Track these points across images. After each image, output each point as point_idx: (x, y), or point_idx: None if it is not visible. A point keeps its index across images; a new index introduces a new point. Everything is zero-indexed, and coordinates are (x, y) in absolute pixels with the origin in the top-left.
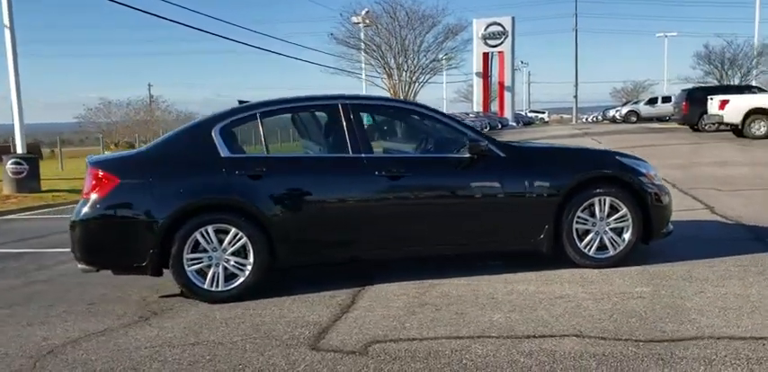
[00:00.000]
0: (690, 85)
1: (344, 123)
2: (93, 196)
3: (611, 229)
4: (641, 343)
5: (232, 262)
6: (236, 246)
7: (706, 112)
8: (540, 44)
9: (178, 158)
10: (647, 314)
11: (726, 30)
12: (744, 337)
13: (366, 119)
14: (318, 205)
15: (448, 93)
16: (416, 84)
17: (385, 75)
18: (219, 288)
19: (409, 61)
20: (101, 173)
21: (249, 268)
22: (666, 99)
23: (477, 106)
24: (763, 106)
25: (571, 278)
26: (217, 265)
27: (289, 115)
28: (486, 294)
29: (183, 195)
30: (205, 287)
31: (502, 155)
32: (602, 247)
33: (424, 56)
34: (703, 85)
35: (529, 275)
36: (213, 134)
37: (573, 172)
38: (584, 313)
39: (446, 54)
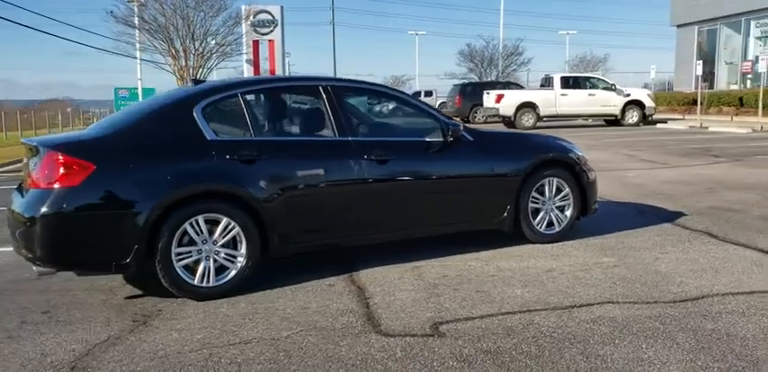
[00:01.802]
0: (455, 81)
1: (328, 105)
2: (61, 186)
3: (556, 207)
4: (669, 304)
5: (222, 255)
6: (227, 237)
7: (477, 105)
8: (310, 35)
9: (159, 141)
10: (642, 280)
11: (483, 32)
12: (743, 292)
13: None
14: (312, 190)
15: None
16: (204, 68)
17: (170, 58)
18: (210, 284)
19: (197, 44)
20: (68, 159)
21: (241, 260)
22: (429, 93)
23: None
24: (531, 100)
25: (535, 253)
26: (207, 258)
27: (271, 96)
28: (481, 272)
29: (172, 182)
30: (195, 283)
31: (471, 139)
32: (549, 224)
33: (213, 39)
34: (473, 81)
35: (495, 253)
36: (195, 114)
37: (530, 156)
38: (588, 282)
39: (235, 39)
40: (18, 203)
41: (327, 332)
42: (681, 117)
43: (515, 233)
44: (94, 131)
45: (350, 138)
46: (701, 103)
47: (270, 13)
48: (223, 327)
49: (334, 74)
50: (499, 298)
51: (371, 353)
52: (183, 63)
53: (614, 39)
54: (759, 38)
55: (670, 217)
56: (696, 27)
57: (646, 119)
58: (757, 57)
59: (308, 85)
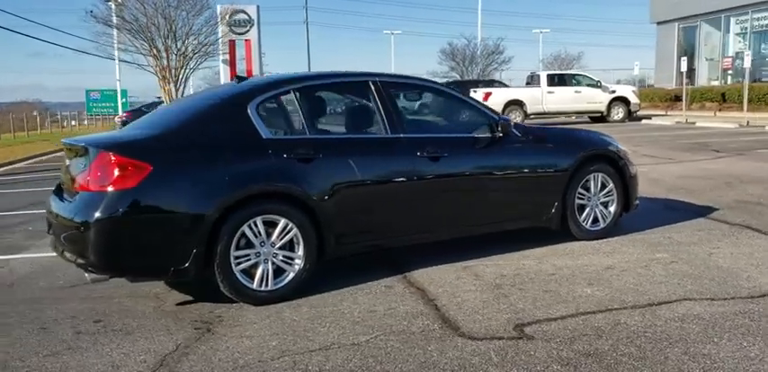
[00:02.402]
0: (438, 80)
1: (378, 101)
2: (116, 188)
3: (600, 203)
4: (748, 300)
5: (280, 257)
6: (285, 239)
7: None
8: (285, 34)
9: (215, 140)
10: (707, 276)
11: (462, 31)
12: None
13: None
14: (367, 189)
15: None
16: (186, 69)
17: (151, 58)
18: (269, 288)
19: (179, 44)
20: (123, 160)
21: (299, 262)
22: None
23: None
24: (519, 98)
25: (585, 250)
26: (265, 261)
27: (322, 92)
28: (538, 271)
29: (231, 183)
30: (254, 287)
31: (518, 134)
32: (594, 220)
33: (195, 39)
34: (457, 80)
35: (543, 251)
36: (249, 112)
37: (576, 151)
38: (654, 279)
39: (218, 38)
40: (64, 207)
41: (407, 336)
42: (664, 113)
43: (561, 230)
44: (142, 131)
45: (401, 135)
46: (684, 99)
47: (246, 13)
48: (295, 332)
49: None
50: (571, 298)
51: (466, 358)
52: (165, 63)
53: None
54: (739, 34)
55: (703, 211)
56: (676, 24)
57: (631, 116)
58: (737, 54)
59: (357, 81)
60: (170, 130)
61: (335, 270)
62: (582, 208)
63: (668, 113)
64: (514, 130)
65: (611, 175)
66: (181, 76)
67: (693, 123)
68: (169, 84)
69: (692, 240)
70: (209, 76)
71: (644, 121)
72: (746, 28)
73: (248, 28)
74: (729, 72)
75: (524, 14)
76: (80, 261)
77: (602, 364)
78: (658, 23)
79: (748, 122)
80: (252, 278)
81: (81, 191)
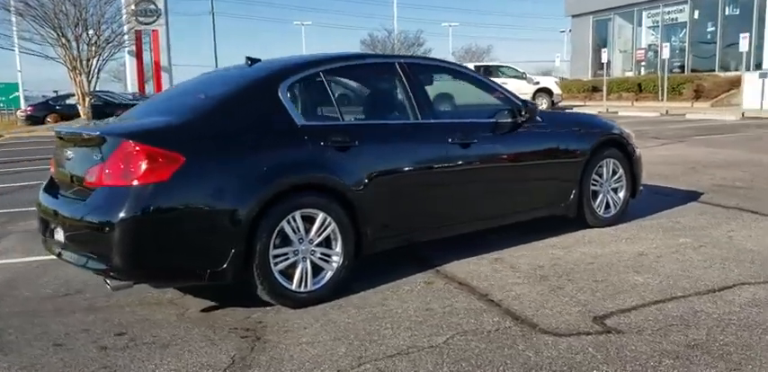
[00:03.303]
0: None
1: (407, 84)
2: (145, 182)
3: (611, 189)
4: None
5: (318, 255)
6: (323, 235)
7: None
8: (192, 24)
9: (248, 127)
10: (746, 258)
11: (380, 24)
12: None
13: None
14: (403, 179)
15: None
16: (99, 59)
17: (60, 48)
18: (308, 288)
19: (90, 33)
20: (153, 150)
21: (336, 259)
22: None
23: (131, 87)
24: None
25: (605, 238)
26: (303, 260)
27: (350, 74)
28: (574, 260)
29: (269, 174)
30: (293, 288)
31: (540, 119)
32: (606, 207)
33: (108, 28)
34: None
35: (563, 239)
36: (281, 96)
37: (592, 137)
38: (696, 264)
39: (129, 29)
40: (70, 205)
41: (485, 335)
42: (583, 103)
43: (577, 218)
44: (162, 118)
45: (432, 121)
46: (605, 90)
47: (153, 3)
48: (357, 336)
49: (216, 65)
50: (627, 287)
51: (568, 356)
52: (76, 53)
53: (501, 30)
54: (651, 27)
55: (691, 196)
56: (591, 17)
57: (554, 106)
58: (650, 46)
59: (384, 63)
60: (198, 117)
61: (359, 268)
62: (595, 194)
63: (587, 103)
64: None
65: (621, 160)
66: (93, 67)
67: (616, 112)
68: (80, 75)
69: (701, 224)
70: (114, 69)
71: (567, 112)
72: (658, 21)
73: (155, 18)
74: (642, 63)
75: (441, 8)
76: (101, 266)
77: (714, 355)
78: (573, 16)
79: (667, 111)
80: (290, 278)
81: (97, 187)
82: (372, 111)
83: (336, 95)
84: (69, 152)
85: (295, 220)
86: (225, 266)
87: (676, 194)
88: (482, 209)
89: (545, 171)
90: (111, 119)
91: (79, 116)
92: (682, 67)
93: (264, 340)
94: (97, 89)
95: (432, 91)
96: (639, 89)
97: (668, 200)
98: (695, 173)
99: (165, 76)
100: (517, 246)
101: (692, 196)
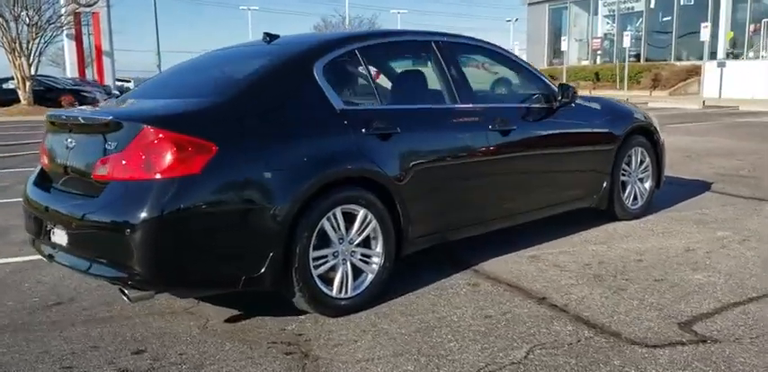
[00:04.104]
0: None
1: (444, 65)
2: (172, 175)
3: (638, 179)
4: None
5: (358, 256)
6: (363, 234)
7: None
8: (134, 7)
9: (284, 112)
10: None
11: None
12: None
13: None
14: (445, 170)
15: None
16: (41, 41)
17: None
18: (348, 294)
19: (30, 12)
20: (181, 138)
21: (377, 260)
22: None
23: (70, 72)
24: None
25: (638, 231)
26: (344, 262)
27: (387, 53)
28: (619, 257)
29: (312, 167)
30: (333, 294)
31: (576, 105)
32: (633, 198)
33: (50, 8)
34: None
35: (595, 234)
36: (317, 77)
37: (624, 123)
38: (752, 261)
39: (69, 11)
40: (72, 202)
41: (569, 348)
42: None
43: (607, 210)
44: (183, 101)
45: (471, 105)
46: (564, 78)
47: None
48: (420, 351)
49: (158, 51)
50: (694, 287)
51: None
52: (15, 34)
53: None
54: (607, 16)
55: (702, 185)
56: (547, 5)
57: None
58: (606, 35)
59: (421, 41)
60: (229, 99)
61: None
62: (624, 185)
63: None
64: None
65: (648, 149)
66: (34, 50)
67: None
68: (20, 58)
69: (730, 216)
70: (52, 53)
71: (595, 96)
72: (614, 10)
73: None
74: (599, 52)
75: None
76: (114, 273)
77: None
78: (529, 4)
79: (628, 99)
80: (329, 284)
81: (110, 181)
82: (411, 94)
83: (374, 76)
84: (70, 139)
85: (336, 218)
86: (263, 271)
87: (686, 184)
88: (520, 202)
89: (581, 159)
90: (111, 100)
91: (18, 101)
92: (638, 56)
93: (314, 356)
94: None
95: (467, 73)
96: (597, 78)
97: (681, 191)
98: (692, 162)
99: (106, 61)
100: (550, 242)
101: (703, 186)
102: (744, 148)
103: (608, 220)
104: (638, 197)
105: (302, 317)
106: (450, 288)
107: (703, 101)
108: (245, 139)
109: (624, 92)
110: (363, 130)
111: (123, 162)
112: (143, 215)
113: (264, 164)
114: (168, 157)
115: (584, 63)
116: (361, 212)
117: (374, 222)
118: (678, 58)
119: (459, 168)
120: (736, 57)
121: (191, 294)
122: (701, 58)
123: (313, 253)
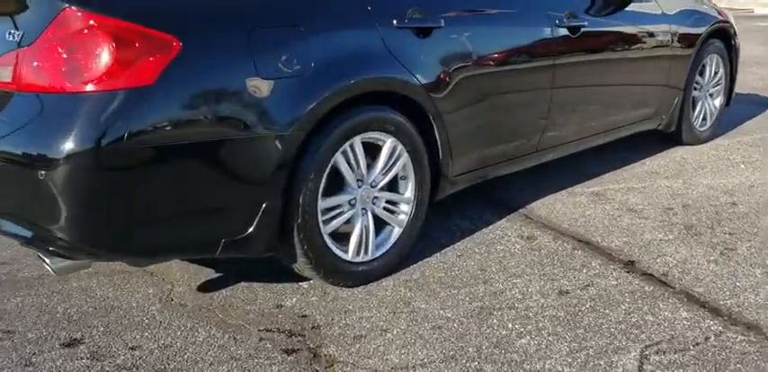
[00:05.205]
0: None
1: None
2: (111, 88)
3: (708, 95)
4: None
5: (382, 204)
6: (391, 173)
7: None
8: None
9: None
10: None
11: None
12: None
13: None
14: (500, 80)
15: None
16: None
17: None
18: (369, 256)
19: None
20: (124, 27)
21: (406, 209)
22: None
23: None
24: None
25: (713, 161)
26: (363, 213)
27: None
28: (706, 197)
29: (323, 75)
30: (350, 258)
31: None
32: (702, 118)
33: None
34: None
35: (657, 164)
36: None
37: (701, 23)
38: None
39: None
40: None
41: (694, 350)
42: None
43: (674, 133)
44: None
45: None
46: None
47: None
48: (481, 351)
49: None
50: None
51: None
52: None
53: None
54: None
55: (761, 101)
56: None
57: None
58: None
59: None
60: None
61: None
62: (693, 101)
63: None
64: None
65: (724, 58)
66: None
67: None
68: None
69: None
70: None
71: None
72: None
73: None
74: None
75: None
76: (24, 233)
77: None
78: None
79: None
80: (343, 242)
81: (15, 93)
82: None
83: None
84: None
85: (354, 151)
86: (251, 230)
87: (739, 99)
88: (585, 124)
89: (657, 68)
90: None
91: None
92: None
93: (327, 358)
94: None
95: None
96: None
97: (738, 108)
98: None
99: None
100: (609, 174)
101: (762, 101)
102: None
103: (670, 145)
104: (708, 116)
105: (305, 285)
106: (499, 243)
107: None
108: (222, 32)
109: None
110: (395, 22)
111: (34, 62)
112: (66, 147)
113: (251, 71)
114: (104, 58)
115: None
116: (389, 142)
117: (405, 156)
118: None
119: (516, 78)
120: None
121: (144, 263)
122: None
123: (322, 203)
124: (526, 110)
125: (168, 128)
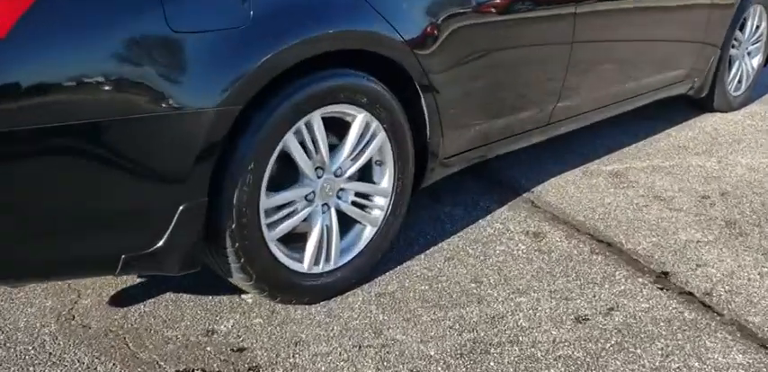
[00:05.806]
0: None
1: None
2: None
3: (746, 53)
4: None
5: (350, 198)
6: (362, 157)
7: None
8: None
9: None
10: None
11: None
12: None
13: None
14: (502, 32)
15: None
16: None
17: None
18: (331, 265)
19: None
20: None
21: (381, 203)
22: None
23: None
24: None
25: (750, 133)
26: (325, 210)
27: None
28: (746, 183)
29: (262, 25)
30: (305, 269)
31: None
32: (738, 81)
33: None
34: None
35: (686, 136)
36: None
37: None
38: None
39: None
40: None
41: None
42: None
43: (704, 98)
44: None
45: None
46: None
47: None
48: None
49: None
50: None
51: None
52: None
53: None
54: None
55: None
56: None
57: None
58: None
59: None
60: None
61: None
62: (731, 61)
63: None
64: None
65: (767, 9)
66: None
67: None
68: None
69: None
70: None
71: None
72: None
73: None
74: None
75: None
76: None
77: None
78: None
79: None
80: (295, 249)
81: None
82: None
83: None
84: None
85: (311, 130)
86: (162, 243)
87: None
88: (606, 90)
89: (693, 21)
90: None
91: None
92: None
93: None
94: None
95: None
96: None
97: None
98: None
99: None
100: (629, 148)
101: None
102: None
103: (698, 112)
104: (743, 79)
105: (248, 298)
106: (498, 242)
107: None
108: None
109: None
110: None
111: None
112: None
113: (158, 21)
114: None
115: None
116: (360, 118)
117: (381, 134)
118: None
119: (527, 30)
120: None
121: (17, 284)
122: None
123: (267, 201)
124: (538, 71)
125: (31, 103)
